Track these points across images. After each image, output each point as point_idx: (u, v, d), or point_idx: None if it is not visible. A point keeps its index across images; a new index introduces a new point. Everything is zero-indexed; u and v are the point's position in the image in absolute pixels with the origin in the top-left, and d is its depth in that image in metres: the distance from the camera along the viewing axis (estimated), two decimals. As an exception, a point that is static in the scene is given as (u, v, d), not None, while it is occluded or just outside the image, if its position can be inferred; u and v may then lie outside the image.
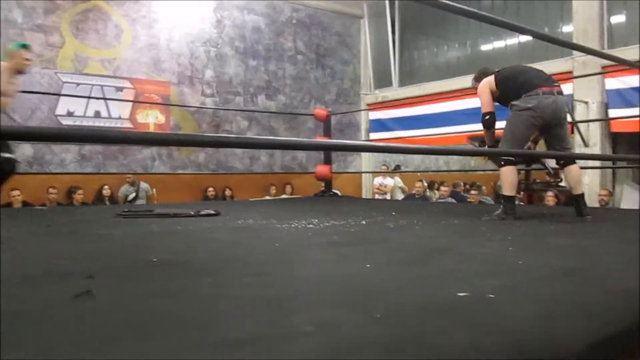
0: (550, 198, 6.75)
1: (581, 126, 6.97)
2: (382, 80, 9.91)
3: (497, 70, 3.99)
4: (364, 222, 3.59)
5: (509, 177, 3.77)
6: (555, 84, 3.80)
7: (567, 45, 2.70)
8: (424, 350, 0.98)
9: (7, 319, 1.25)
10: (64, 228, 3.47)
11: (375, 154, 9.87)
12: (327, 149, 5.85)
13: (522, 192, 8.03)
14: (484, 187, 10.59)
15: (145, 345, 1.03)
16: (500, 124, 3.91)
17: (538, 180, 4.66)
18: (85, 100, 7.63)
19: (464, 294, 1.43)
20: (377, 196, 8.89)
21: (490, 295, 1.42)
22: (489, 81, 3.93)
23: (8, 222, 3.83)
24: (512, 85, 3.81)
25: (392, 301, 1.36)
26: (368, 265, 1.95)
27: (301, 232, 3.10)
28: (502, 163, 3.77)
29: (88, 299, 1.42)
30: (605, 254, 2.28)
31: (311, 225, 3.38)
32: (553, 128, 3.78)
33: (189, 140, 2.95)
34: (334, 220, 3.67)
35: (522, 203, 7.34)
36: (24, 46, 4.35)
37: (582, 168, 6.49)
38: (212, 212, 4.31)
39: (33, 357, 1.00)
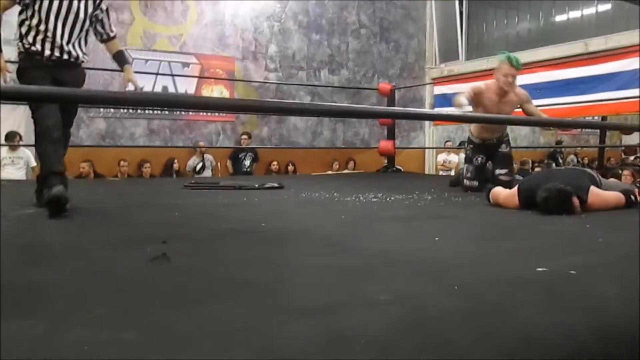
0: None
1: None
2: (448, 53, 9.59)
3: None
4: (429, 198, 3.53)
5: None
6: None
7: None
8: (507, 324, 0.95)
9: (92, 278, 1.30)
10: (136, 199, 3.60)
11: (440, 130, 9.64)
12: (395, 117, 5.73)
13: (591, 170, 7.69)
14: (554, 165, 10.19)
15: (227, 308, 1.04)
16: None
17: (613, 159, 4.45)
18: (153, 75, 7.84)
19: (543, 269, 1.37)
20: (441, 173, 8.72)
21: (572, 272, 1.35)
22: None
23: (85, 191, 4.02)
24: None
25: (468, 274, 1.32)
26: (437, 239, 1.91)
27: (366, 206, 3.08)
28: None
29: (165, 262, 1.46)
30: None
31: (375, 200, 3.35)
32: None
33: (253, 106, 2.90)
34: (398, 195, 3.62)
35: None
36: (509, 59, 3.71)
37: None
38: (276, 185, 4.35)
39: (117, 312, 1.04)
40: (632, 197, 2.87)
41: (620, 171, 7.10)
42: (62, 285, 1.23)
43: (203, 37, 8.20)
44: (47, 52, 2.69)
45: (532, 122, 3.33)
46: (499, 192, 3.09)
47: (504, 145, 4.02)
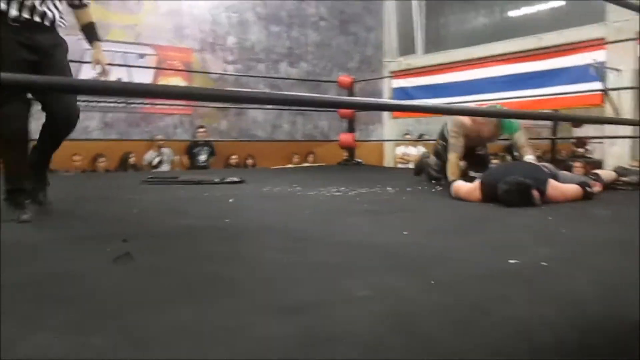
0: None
1: (613, 95, 6.78)
2: (406, 47, 9.68)
3: None
4: (392, 191, 3.54)
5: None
6: None
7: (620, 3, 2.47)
8: (487, 318, 0.94)
9: (53, 281, 1.23)
10: (93, 194, 3.47)
11: (399, 123, 9.73)
12: (356, 108, 5.72)
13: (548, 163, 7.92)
14: (509, 158, 10.43)
15: (199, 308, 1.00)
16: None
17: (564, 152, 4.58)
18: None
19: (515, 261, 1.38)
20: (400, 165, 8.80)
21: (543, 263, 1.37)
22: None
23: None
24: None
25: (442, 268, 1.32)
26: (405, 233, 1.91)
27: (331, 200, 3.06)
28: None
29: (128, 261, 1.40)
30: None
31: (339, 194, 3.34)
32: None
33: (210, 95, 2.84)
34: (361, 188, 3.62)
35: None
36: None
37: (612, 137, 6.33)
38: (237, 179, 4.28)
39: (82, 317, 0.98)
40: (588, 189, 2.96)
41: (571, 163, 7.33)
42: (20, 288, 1.16)
43: (160, 28, 8.00)
44: (14, 13, 2.18)
45: (490, 113, 3.36)
46: (460, 186, 3.12)
47: (479, 147, 4.01)
